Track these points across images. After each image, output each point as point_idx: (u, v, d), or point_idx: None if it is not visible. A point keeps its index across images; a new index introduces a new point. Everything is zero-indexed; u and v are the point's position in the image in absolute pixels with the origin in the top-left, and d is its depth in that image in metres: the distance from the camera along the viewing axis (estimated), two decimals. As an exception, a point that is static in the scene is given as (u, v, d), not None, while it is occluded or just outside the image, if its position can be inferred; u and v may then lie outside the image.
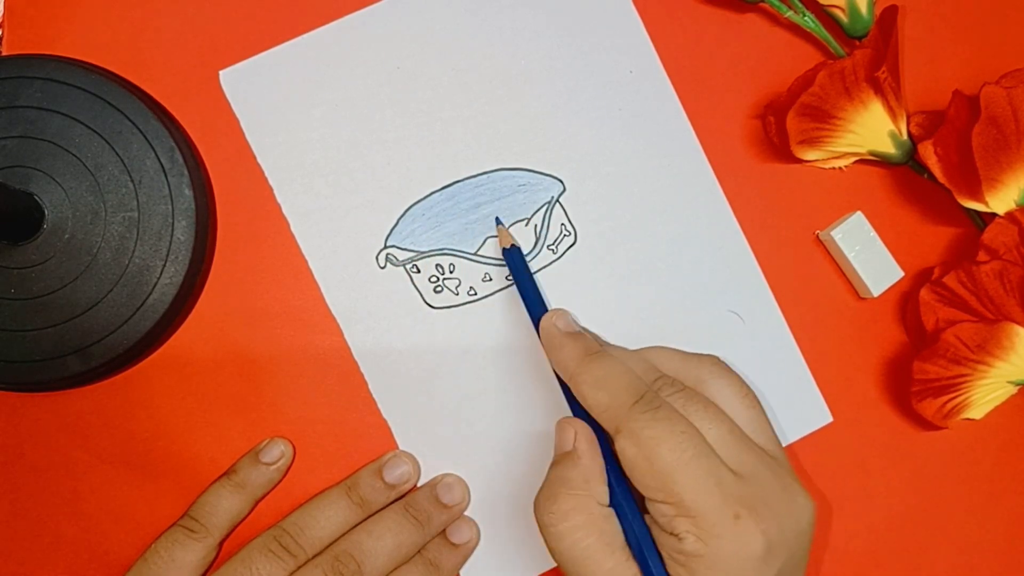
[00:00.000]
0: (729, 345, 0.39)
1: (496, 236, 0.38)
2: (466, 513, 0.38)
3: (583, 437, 0.33)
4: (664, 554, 0.30)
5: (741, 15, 0.40)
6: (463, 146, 0.39)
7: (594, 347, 0.34)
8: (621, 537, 0.31)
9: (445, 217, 0.38)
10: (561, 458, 0.33)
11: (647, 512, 0.31)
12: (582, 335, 0.35)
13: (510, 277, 0.38)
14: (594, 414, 0.32)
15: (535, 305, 0.36)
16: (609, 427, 0.31)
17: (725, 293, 0.39)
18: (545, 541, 0.32)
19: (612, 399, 0.31)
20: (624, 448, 0.30)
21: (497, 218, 0.38)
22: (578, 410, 0.34)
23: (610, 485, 0.32)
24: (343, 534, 0.36)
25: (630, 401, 0.31)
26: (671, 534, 0.30)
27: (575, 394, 0.33)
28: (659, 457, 0.29)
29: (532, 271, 0.38)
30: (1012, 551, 0.40)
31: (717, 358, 0.34)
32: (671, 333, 0.38)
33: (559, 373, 0.34)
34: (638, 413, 0.30)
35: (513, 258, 0.37)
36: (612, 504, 0.32)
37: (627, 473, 0.31)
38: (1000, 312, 0.36)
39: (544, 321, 0.35)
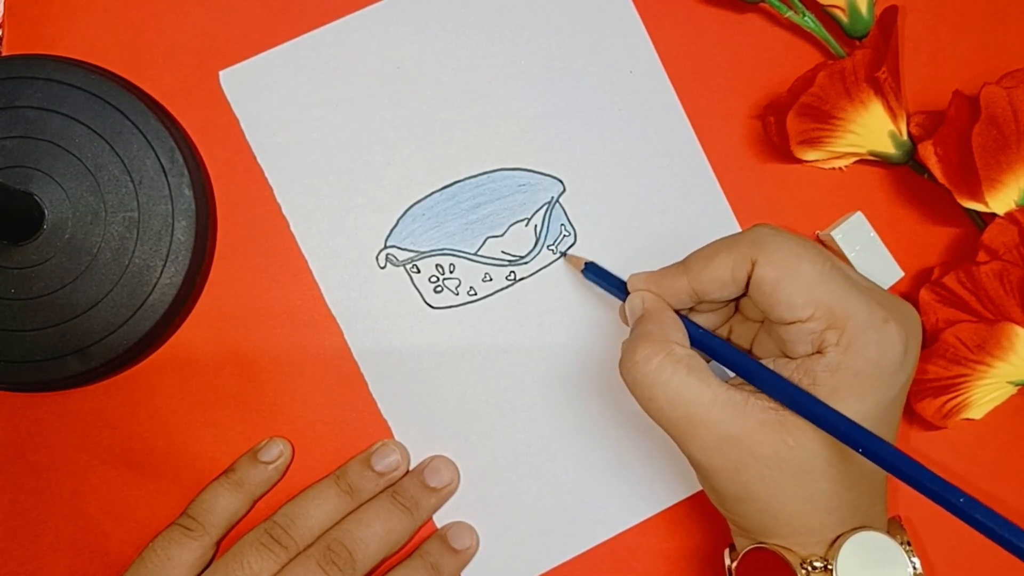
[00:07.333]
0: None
1: (497, 236, 0.38)
2: (466, 514, 0.38)
3: (650, 298, 0.33)
4: (801, 381, 0.29)
5: (741, 15, 0.40)
6: (463, 146, 0.39)
7: None
8: (712, 373, 0.30)
9: (445, 217, 0.38)
10: (635, 323, 0.33)
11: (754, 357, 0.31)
12: None
13: (510, 277, 0.38)
14: (719, 273, 0.31)
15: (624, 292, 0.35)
16: (742, 269, 0.30)
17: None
18: (637, 399, 0.31)
19: (729, 246, 0.31)
20: (764, 275, 0.30)
21: (563, 252, 0.38)
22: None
23: (691, 332, 0.32)
24: (334, 524, 0.36)
25: (750, 236, 0.31)
26: (814, 353, 0.29)
27: (697, 280, 0.32)
28: (802, 272, 0.29)
29: (533, 271, 0.38)
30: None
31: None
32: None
33: (667, 290, 0.33)
34: (769, 238, 0.30)
35: (593, 272, 0.37)
36: (695, 345, 0.32)
37: (768, 301, 0.30)
38: (1000, 312, 0.36)
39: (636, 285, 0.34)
